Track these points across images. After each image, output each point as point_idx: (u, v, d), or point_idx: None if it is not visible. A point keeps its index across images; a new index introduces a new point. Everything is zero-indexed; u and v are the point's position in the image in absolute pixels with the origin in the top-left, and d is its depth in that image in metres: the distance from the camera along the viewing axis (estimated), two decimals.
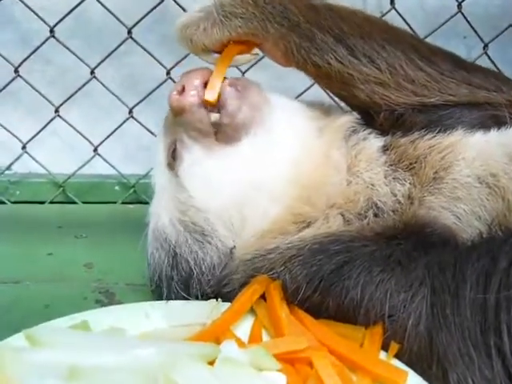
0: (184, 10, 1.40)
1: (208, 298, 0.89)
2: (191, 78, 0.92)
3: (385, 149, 0.92)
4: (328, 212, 0.89)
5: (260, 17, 0.89)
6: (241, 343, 0.78)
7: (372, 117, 0.94)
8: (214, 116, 0.91)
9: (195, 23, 0.93)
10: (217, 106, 0.91)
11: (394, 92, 0.89)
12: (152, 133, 1.47)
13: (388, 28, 0.94)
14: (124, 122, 1.48)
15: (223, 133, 0.91)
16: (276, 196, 0.91)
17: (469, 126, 0.90)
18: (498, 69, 1.61)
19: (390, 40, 0.90)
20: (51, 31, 1.39)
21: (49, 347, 0.70)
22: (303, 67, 0.93)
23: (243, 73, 1.48)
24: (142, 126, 1.49)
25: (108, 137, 1.49)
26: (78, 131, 1.48)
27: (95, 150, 1.50)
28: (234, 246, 0.91)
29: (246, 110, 0.90)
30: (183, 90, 0.91)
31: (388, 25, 0.95)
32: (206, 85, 0.91)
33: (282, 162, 0.92)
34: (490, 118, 0.91)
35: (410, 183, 0.89)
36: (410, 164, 0.90)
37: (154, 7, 1.40)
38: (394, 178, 0.90)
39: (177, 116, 0.93)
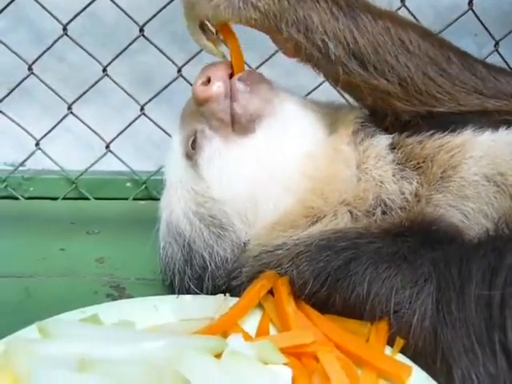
0: None
1: (218, 291, 0.91)
2: (217, 70, 0.94)
3: (392, 147, 0.93)
4: (337, 208, 0.90)
5: (278, 17, 0.87)
6: (248, 337, 0.79)
7: (380, 116, 0.94)
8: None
9: None
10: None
11: (402, 101, 0.89)
12: (163, 130, 1.49)
13: (406, 34, 0.90)
14: (136, 119, 1.50)
15: (239, 124, 0.93)
16: (290, 187, 0.92)
17: (478, 126, 0.90)
18: (509, 66, 1.61)
19: (404, 50, 0.88)
20: (64, 29, 1.40)
21: (60, 339, 0.71)
22: (311, 66, 0.93)
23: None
24: (154, 123, 1.50)
25: (120, 134, 1.50)
26: (90, 128, 1.49)
27: (107, 146, 1.51)
28: (248, 240, 0.92)
29: (256, 102, 0.92)
30: (208, 81, 0.93)
31: (408, 30, 0.91)
32: (230, 76, 0.94)
33: (297, 154, 0.93)
34: (500, 122, 0.91)
35: (417, 182, 0.89)
36: (418, 163, 0.90)
37: (166, 5, 1.40)
38: (401, 177, 0.90)
39: (200, 106, 0.94)
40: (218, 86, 0.93)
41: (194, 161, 0.95)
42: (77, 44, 1.42)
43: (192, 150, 0.95)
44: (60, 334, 0.72)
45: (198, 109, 0.95)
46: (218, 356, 0.71)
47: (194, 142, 0.95)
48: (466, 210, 0.87)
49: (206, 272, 0.92)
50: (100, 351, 0.68)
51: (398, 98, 0.89)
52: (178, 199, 0.96)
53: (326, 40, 0.86)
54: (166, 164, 1.01)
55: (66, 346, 0.69)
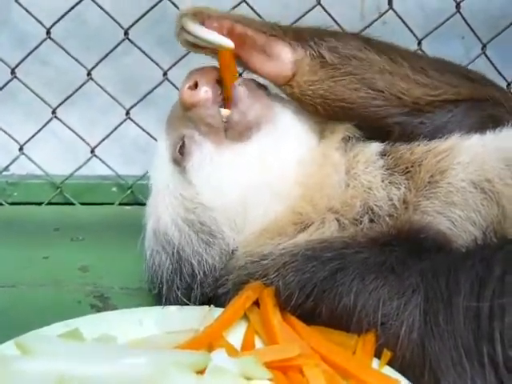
0: None
1: (206, 299, 0.90)
2: (204, 74, 0.92)
3: (382, 154, 0.92)
4: (325, 216, 0.89)
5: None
6: (233, 351, 0.78)
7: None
8: (225, 112, 0.92)
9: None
10: (228, 103, 0.92)
11: (405, 82, 0.90)
12: (149, 134, 1.47)
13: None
14: (121, 123, 1.48)
15: (233, 130, 0.91)
16: (281, 194, 0.91)
17: (466, 129, 0.90)
18: (496, 69, 1.61)
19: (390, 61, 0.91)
20: (48, 32, 1.38)
21: (39, 356, 0.70)
22: (316, 58, 0.90)
23: (240, 74, 1.47)
24: (139, 127, 1.49)
25: (105, 138, 1.48)
26: (75, 132, 1.47)
27: (92, 151, 1.49)
28: (236, 247, 0.90)
29: (257, 108, 0.91)
30: (195, 85, 0.91)
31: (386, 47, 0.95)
32: (218, 82, 0.92)
33: (289, 161, 0.92)
34: (488, 118, 0.91)
35: (405, 187, 0.89)
36: (406, 168, 0.90)
37: (151, 8, 1.39)
38: (390, 182, 0.89)
39: (187, 111, 0.93)
40: (205, 91, 0.91)
41: (183, 167, 0.93)
42: (61, 47, 1.40)
43: (180, 155, 0.93)
44: (39, 350, 0.70)
45: (186, 114, 0.93)
46: (202, 371, 0.69)
47: (181, 147, 0.93)
48: (454, 217, 0.86)
49: (194, 280, 0.90)
50: (80, 368, 0.67)
51: (397, 81, 0.90)
52: (165, 206, 0.94)
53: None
54: (152, 170, 0.99)
55: (46, 364, 0.68)
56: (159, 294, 0.93)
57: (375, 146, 0.93)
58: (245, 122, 0.91)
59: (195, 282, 0.91)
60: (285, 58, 0.89)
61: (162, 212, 0.94)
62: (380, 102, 0.89)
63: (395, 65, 0.89)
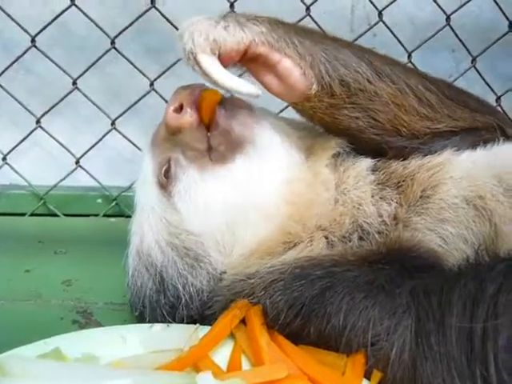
0: (168, 20, 1.38)
1: (191, 320, 0.87)
2: (189, 95, 0.89)
3: (374, 169, 0.91)
4: (313, 234, 0.87)
5: (282, 30, 0.83)
6: (219, 371, 0.76)
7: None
8: (209, 134, 0.90)
9: (212, 20, 0.81)
10: (212, 124, 0.89)
11: (408, 115, 0.88)
12: (135, 145, 1.45)
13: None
14: (106, 133, 1.46)
15: (217, 152, 0.89)
16: (269, 215, 0.89)
17: (458, 148, 0.89)
18: (486, 82, 1.60)
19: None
20: (32, 40, 1.36)
21: (18, 378, 0.67)
22: (327, 90, 0.85)
23: None
24: (125, 137, 1.47)
25: (90, 149, 1.46)
26: (59, 143, 1.45)
27: (77, 162, 1.47)
28: (225, 270, 0.89)
29: (240, 130, 0.89)
30: (181, 107, 0.89)
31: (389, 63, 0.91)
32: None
33: (275, 180, 0.90)
34: (483, 143, 0.90)
35: (396, 202, 0.87)
36: (398, 182, 0.89)
37: (138, 17, 1.37)
38: (380, 198, 0.88)
39: (173, 134, 0.91)
40: (190, 115, 0.88)
41: (169, 191, 0.91)
42: (45, 56, 1.38)
43: (165, 179, 0.91)
44: (18, 372, 0.67)
45: (171, 136, 0.91)
46: None
47: (167, 170, 0.91)
48: (445, 233, 0.84)
49: (179, 302, 0.88)
50: None
51: (405, 113, 0.88)
52: (149, 226, 0.92)
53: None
54: (138, 188, 0.97)
55: None
56: (141, 314, 0.91)
57: (366, 162, 0.91)
58: (228, 144, 0.89)
59: (180, 304, 0.89)
60: (297, 85, 0.84)
61: (147, 232, 0.93)
62: (378, 131, 0.88)
63: (402, 96, 0.87)
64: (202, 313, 0.88)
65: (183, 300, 0.88)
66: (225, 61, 0.81)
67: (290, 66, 0.83)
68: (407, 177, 0.88)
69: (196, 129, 0.89)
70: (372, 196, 0.89)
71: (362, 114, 0.86)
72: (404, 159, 0.90)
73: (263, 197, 0.89)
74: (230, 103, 0.90)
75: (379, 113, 0.86)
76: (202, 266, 0.89)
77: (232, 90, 0.81)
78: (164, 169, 0.91)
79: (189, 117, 0.88)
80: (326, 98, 0.84)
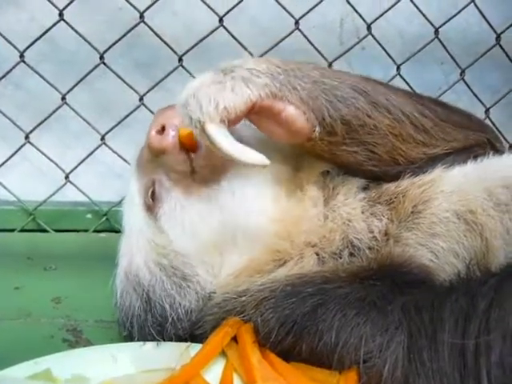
0: (157, 34, 1.38)
1: (180, 339, 0.87)
2: (171, 117, 0.88)
3: (365, 187, 0.91)
4: (303, 251, 0.87)
5: (283, 76, 0.79)
6: None
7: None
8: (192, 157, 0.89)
9: (217, 79, 0.77)
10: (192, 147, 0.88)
11: (405, 144, 0.87)
12: (125, 160, 1.44)
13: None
14: (96, 148, 1.45)
15: (200, 174, 0.89)
16: (256, 234, 0.88)
17: (449, 165, 0.89)
18: (474, 95, 1.61)
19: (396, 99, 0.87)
20: (21, 56, 1.35)
21: None
22: (328, 130, 0.83)
23: None
24: (115, 152, 1.46)
25: (79, 164, 1.45)
26: (49, 158, 1.44)
27: (67, 177, 1.46)
28: (214, 290, 0.88)
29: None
30: (163, 129, 0.88)
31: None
32: None
33: (262, 200, 0.89)
34: (473, 157, 0.90)
35: (387, 218, 0.87)
36: (390, 199, 0.88)
37: (127, 32, 1.37)
38: (371, 214, 0.88)
39: (156, 156, 0.90)
40: (172, 136, 0.88)
41: (155, 213, 0.91)
42: (34, 71, 1.37)
43: (151, 201, 0.91)
44: None
45: (154, 158, 0.91)
46: None
47: (153, 193, 0.91)
48: (436, 248, 0.84)
49: (166, 321, 0.88)
50: None
51: (403, 142, 0.87)
52: (137, 248, 0.92)
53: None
54: (125, 211, 0.97)
55: None
56: (130, 334, 0.91)
57: (357, 181, 0.91)
58: (210, 165, 0.88)
59: (168, 323, 0.88)
60: (301, 130, 0.81)
61: (135, 254, 0.93)
62: (376, 162, 0.87)
63: (399, 125, 0.86)
64: (192, 332, 0.87)
65: (170, 319, 0.88)
66: (233, 123, 0.77)
67: (294, 114, 0.80)
68: (399, 194, 0.88)
69: (179, 151, 0.88)
70: (362, 212, 0.88)
71: (361, 148, 0.85)
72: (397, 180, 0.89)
73: (249, 217, 0.88)
74: None
75: (377, 145, 0.85)
76: (190, 286, 0.88)
77: (240, 162, 0.76)
78: (150, 191, 0.91)
79: (171, 138, 0.88)
80: (326, 136, 0.82)
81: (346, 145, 0.84)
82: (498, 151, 0.94)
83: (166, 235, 0.90)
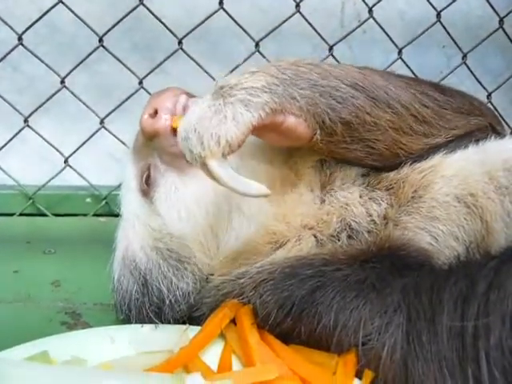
0: (156, 17, 1.37)
1: (178, 322, 0.87)
2: (163, 101, 0.89)
3: (363, 174, 0.90)
4: (300, 233, 0.86)
5: (281, 87, 0.77)
6: (209, 372, 0.75)
7: None
8: None
9: (217, 108, 0.74)
10: None
11: (406, 136, 0.85)
12: (124, 143, 1.43)
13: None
14: (95, 132, 1.44)
15: None
16: (251, 215, 0.88)
17: (450, 150, 0.88)
18: (476, 78, 1.60)
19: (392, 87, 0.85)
20: (19, 38, 1.34)
21: (5, 381, 0.66)
22: (328, 131, 0.81)
23: None
24: (114, 136, 1.45)
25: (79, 148, 1.45)
26: (48, 142, 1.44)
27: (66, 161, 1.45)
28: (211, 273, 0.88)
29: None
30: (155, 113, 0.88)
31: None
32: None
33: (257, 181, 0.88)
34: (474, 141, 0.89)
35: (386, 203, 0.87)
36: (390, 185, 0.88)
37: (126, 15, 1.36)
38: (369, 198, 0.87)
39: (150, 140, 0.90)
40: (165, 119, 0.88)
41: (150, 198, 0.91)
42: (33, 54, 1.36)
43: (146, 186, 0.92)
44: (5, 375, 0.66)
45: (148, 142, 0.91)
46: None
47: (148, 177, 0.91)
48: (436, 231, 0.84)
49: (164, 305, 0.88)
50: None
51: (404, 135, 0.85)
52: (135, 233, 0.92)
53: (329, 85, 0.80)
54: (122, 197, 0.97)
55: None
56: (127, 318, 0.91)
57: (355, 168, 0.90)
58: None
59: (165, 306, 0.88)
60: (302, 137, 0.80)
61: (132, 239, 0.93)
62: (376, 157, 0.86)
63: (399, 119, 0.84)
64: (190, 315, 0.87)
65: (167, 302, 0.88)
66: (236, 148, 0.75)
67: (295, 123, 0.79)
68: (399, 180, 0.87)
69: (171, 133, 0.88)
70: (360, 196, 0.88)
71: (361, 145, 0.84)
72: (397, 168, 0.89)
73: (243, 198, 0.86)
74: None
75: (378, 141, 0.84)
76: (187, 268, 0.88)
77: (241, 194, 0.75)
78: (145, 175, 0.92)
79: (163, 121, 0.88)
80: (326, 137, 0.81)
81: (345, 143, 0.83)
82: (500, 135, 0.93)
83: (162, 218, 0.90)
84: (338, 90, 0.80)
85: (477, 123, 0.91)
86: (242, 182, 0.74)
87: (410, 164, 0.87)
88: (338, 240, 0.85)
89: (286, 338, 0.78)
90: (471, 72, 1.62)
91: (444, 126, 0.88)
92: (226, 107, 0.73)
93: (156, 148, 0.91)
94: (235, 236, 0.88)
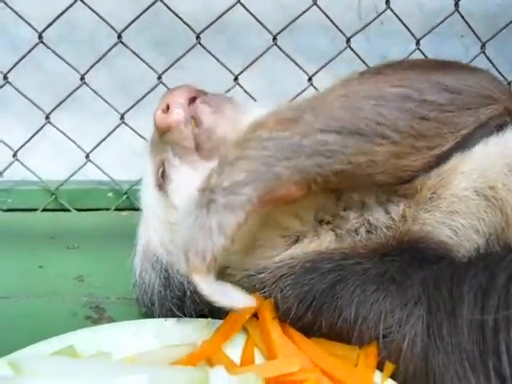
0: (174, 13, 1.37)
1: (200, 314, 0.88)
2: (175, 96, 0.91)
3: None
4: (318, 227, 0.86)
5: (264, 168, 0.74)
6: (232, 366, 0.76)
7: None
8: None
9: (202, 225, 0.73)
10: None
11: (408, 158, 0.79)
12: (144, 138, 1.44)
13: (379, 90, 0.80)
14: (116, 127, 1.46)
15: (204, 149, 0.90)
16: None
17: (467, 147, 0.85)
18: (495, 68, 1.59)
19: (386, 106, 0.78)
20: (40, 37, 1.36)
21: (32, 376, 0.67)
22: (323, 182, 0.78)
23: (236, 76, 1.45)
24: (134, 131, 1.47)
25: (99, 143, 1.47)
26: (69, 138, 1.45)
27: (87, 156, 1.47)
28: (227, 265, 0.88)
29: (222, 124, 0.89)
30: (168, 108, 0.90)
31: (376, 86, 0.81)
32: (191, 100, 0.91)
33: None
34: (492, 131, 0.86)
35: (404, 205, 0.85)
36: (406, 192, 0.85)
37: (144, 10, 1.37)
38: (387, 200, 0.86)
39: (163, 135, 0.92)
40: (177, 113, 0.90)
41: (165, 191, 0.93)
42: (53, 51, 1.38)
43: (162, 180, 0.93)
44: (32, 370, 0.68)
45: (162, 137, 0.93)
46: None
47: (163, 172, 0.93)
48: (456, 225, 0.83)
49: (186, 297, 0.89)
50: None
51: (407, 156, 0.79)
52: (153, 227, 0.94)
53: (312, 143, 0.75)
54: (142, 193, 0.99)
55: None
56: (150, 312, 0.92)
57: None
58: (213, 139, 0.89)
59: (186, 298, 0.89)
60: (297, 196, 0.77)
61: (152, 233, 0.94)
62: (380, 183, 0.82)
63: (397, 145, 0.78)
64: (211, 308, 0.88)
65: (188, 293, 0.88)
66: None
67: (284, 192, 0.76)
68: (416, 185, 0.84)
69: (183, 127, 0.90)
70: (377, 197, 0.86)
71: (361, 180, 0.80)
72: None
73: None
74: (210, 100, 0.91)
75: (378, 174, 0.79)
76: None
77: (226, 306, 0.74)
78: (160, 170, 0.93)
79: (175, 115, 0.90)
80: (323, 185, 0.77)
81: (343, 184, 0.81)
82: None
83: (177, 211, 0.90)
84: (325, 143, 0.75)
85: (489, 113, 0.86)
86: (226, 296, 0.73)
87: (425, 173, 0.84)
88: (357, 234, 0.85)
89: (308, 331, 0.79)
90: (490, 61, 1.60)
91: (450, 130, 0.82)
92: (210, 217, 0.72)
93: (169, 142, 0.92)
94: (248, 228, 0.88)
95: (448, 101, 0.81)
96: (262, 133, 0.75)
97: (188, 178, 0.90)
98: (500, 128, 0.87)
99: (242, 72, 1.45)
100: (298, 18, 1.42)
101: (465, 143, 0.84)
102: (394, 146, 0.77)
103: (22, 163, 1.47)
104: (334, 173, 0.76)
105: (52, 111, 1.43)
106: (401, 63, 0.89)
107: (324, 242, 0.85)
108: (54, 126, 1.44)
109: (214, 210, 0.72)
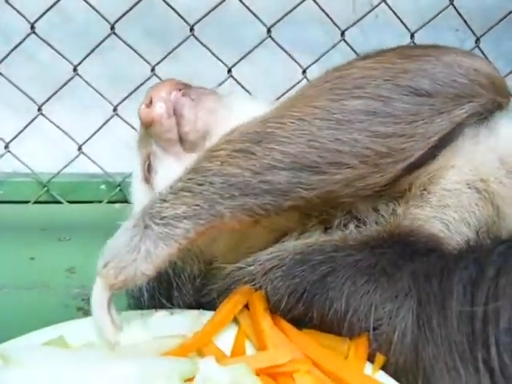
0: (168, 4, 1.37)
1: (190, 307, 0.88)
2: (158, 90, 0.92)
3: None
4: (305, 222, 0.86)
5: (206, 206, 0.74)
6: (222, 357, 0.76)
7: None
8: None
9: (134, 248, 0.76)
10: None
11: (375, 176, 0.76)
12: (137, 130, 1.44)
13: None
14: (108, 119, 1.45)
15: (187, 141, 0.91)
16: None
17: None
18: (490, 62, 1.59)
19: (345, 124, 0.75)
20: (32, 27, 1.35)
21: (22, 366, 0.68)
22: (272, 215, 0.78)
23: (230, 68, 1.45)
24: (127, 123, 1.46)
25: (92, 135, 1.46)
26: (62, 130, 1.45)
27: (79, 148, 1.47)
28: (215, 257, 0.89)
29: (203, 116, 0.91)
30: (151, 102, 0.91)
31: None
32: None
33: None
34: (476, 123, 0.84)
35: (394, 204, 0.84)
36: (395, 192, 0.84)
37: (138, 1, 1.36)
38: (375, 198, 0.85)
39: (147, 128, 0.93)
40: (159, 107, 0.90)
41: (151, 184, 0.94)
42: (45, 42, 1.37)
43: (148, 173, 0.94)
44: (23, 360, 0.68)
45: (147, 131, 0.94)
46: (191, 379, 0.68)
47: (149, 165, 0.94)
48: (448, 219, 0.83)
49: (172, 288, 0.89)
50: (65, 378, 0.66)
51: (372, 175, 0.76)
52: None
53: (260, 177, 0.74)
54: (132, 188, 1.00)
55: (29, 374, 0.66)
56: (140, 303, 0.91)
57: None
58: (194, 131, 0.90)
59: (173, 290, 0.90)
60: (246, 226, 0.81)
61: None
62: (349, 202, 0.81)
63: (357, 169, 0.75)
64: (198, 300, 0.89)
65: (175, 285, 0.89)
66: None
67: (231, 224, 0.77)
68: (403, 184, 0.83)
69: (166, 120, 0.90)
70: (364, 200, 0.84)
71: (325, 205, 0.81)
72: None
73: None
74: (190, 92, 0.92)
75: (341, 197, 0.77)
76: (190, 250, 0.88)
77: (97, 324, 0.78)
78: (146, 164, 0.95)
79: (157, 109, 0.90)
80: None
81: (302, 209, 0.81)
82: (502, 108, 0.86)
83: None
84: (275, 183, 0.74)
85: (464, 114, 0.79)
86: (101, 318, 0.76)
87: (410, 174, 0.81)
88: (347, 229, 0.84)
89: (298, 323, 0.79)
90: (485, 55, 1.60)
91: (418, 141, 0.76)
92: (142, 242, 0.74)
93: (153, 136, 0.93)
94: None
95: (416, 108, 0.76)
96: (212, 166, 0.76)
97: (172, 169, 0.90)
98: (489, 119, 0.85)
99: (235, 64, 1.45)
100: (292, 10, 1.42)
101: (444, 142, 0.81)
102: (353, 171, 0.75)
103: (13, 155, 1.46)
104: (287, 208, 0.76)
105: (44, 103, 1.42)
106: (365, 58, 0.83)
107: (313, 235, 0.85)
108: (47, 118, 1.43)
109: (148, 236, 0.75)
